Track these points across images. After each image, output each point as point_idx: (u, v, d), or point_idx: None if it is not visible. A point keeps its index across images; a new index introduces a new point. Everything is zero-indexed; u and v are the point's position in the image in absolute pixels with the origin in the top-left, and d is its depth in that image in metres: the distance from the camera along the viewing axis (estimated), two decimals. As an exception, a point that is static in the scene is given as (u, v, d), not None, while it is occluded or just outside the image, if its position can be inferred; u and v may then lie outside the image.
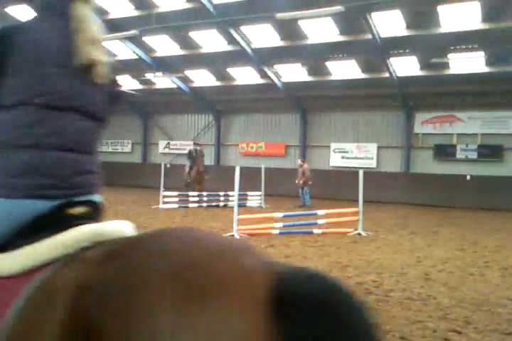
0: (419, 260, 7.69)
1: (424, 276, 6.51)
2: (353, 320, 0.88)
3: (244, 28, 20.01)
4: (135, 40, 21.81)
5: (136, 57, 23.04)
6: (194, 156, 18.18)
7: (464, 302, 5.32)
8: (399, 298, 5.42)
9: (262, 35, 20.36)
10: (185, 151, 28.17)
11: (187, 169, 18.27)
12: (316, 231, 9.85)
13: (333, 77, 22.49)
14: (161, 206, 14.88)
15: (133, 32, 18.55)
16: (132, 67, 24.37)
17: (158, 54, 23.14)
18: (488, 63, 19.59)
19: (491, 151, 20.49)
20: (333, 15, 17.80)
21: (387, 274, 6.58)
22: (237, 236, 9.21)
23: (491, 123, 20.86)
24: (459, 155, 21.18)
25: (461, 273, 6.85)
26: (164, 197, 15.07)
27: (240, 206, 11.28)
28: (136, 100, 28.44)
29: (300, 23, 18.85)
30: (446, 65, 20.27)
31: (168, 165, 22.25)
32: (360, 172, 10.48)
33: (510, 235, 11.58)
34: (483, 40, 18.01)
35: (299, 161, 18.44)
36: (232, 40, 20.65)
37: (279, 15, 16.15)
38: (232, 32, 19.77)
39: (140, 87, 27.12)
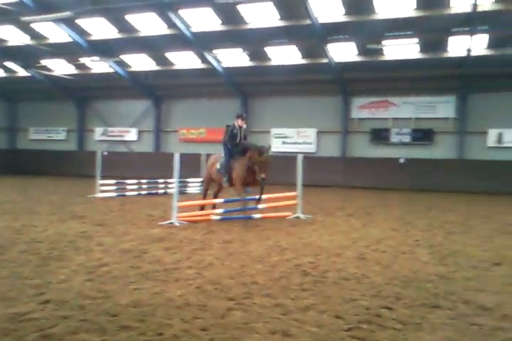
0: (354, 241, 7.95)
1: (359, 256, 6.74)
2: None
3: (183, 12, 19.58)
4: (69, 23, 20.83)
5: (70, 40, 22.03)
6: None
7: (396, 280, 5.56)
8: (335, 278, 5.58)
9: (202, 19, 20.01)
10: (125, 138, 27.67)
11: (222, 162, 10.20)
12: (256, 216, 9.93)
13: (274, 63, 22.56)
14: (98, 195, 14.47)
15: (66, 13, 17.70)
16: (67, 50, 23.35)
17: (95, 37, 22.25)
18: (422, 50, 20.31)
19: (422, 135, 21.44)
20: (274, 0, 17.79)
21: (324, 255, 6.75)
22: (176, 224, 9.13)
23: (423, 108, 21.76)
24: (394, 139, 21.99)
25: (393, 252, 7.15)
26: (101, 185, 14.66)
27: (180, 193, 11.21)
28: (71, 85, 27.32)
29: (241, 7, 18.68)
30: (381, 51, 20.84)
31: (105, 153, 21.63)
32: (299, 157, 10.66)
33: (439, 214, 12.23)
34: (417, 27, 18.62)
35: None
36: (172, 24, 20.18)
37: (218, -2, 15.94)
38: (171, 15, 19.31)
39: (75, 71, 26.05)
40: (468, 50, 19.48)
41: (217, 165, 10.19)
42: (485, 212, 13.14)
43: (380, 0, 17.35)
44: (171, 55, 23.58)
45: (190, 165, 16.53)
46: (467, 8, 17.01)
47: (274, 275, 5.66)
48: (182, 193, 13.82)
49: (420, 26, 18.49)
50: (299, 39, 20.60)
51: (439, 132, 21.54)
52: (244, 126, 10.23)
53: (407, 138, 21.78)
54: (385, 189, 20.35)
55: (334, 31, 19.51)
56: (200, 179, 16.90)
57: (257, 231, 8.73)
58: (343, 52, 21.21)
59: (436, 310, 4.54)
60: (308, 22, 18.71)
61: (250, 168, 9.32)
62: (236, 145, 9.65)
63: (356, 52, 21.16)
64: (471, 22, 17.62)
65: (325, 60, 21.50)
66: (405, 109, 22.01)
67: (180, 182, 11.27)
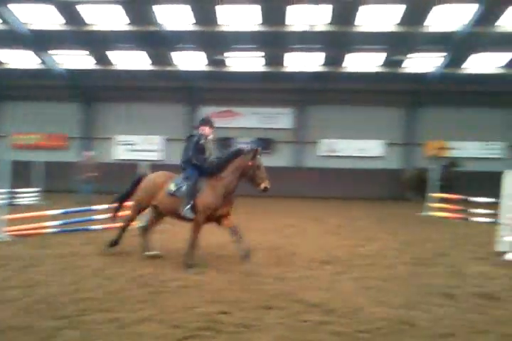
0: (198, 248, 7.99)
1: (201, 263, 6.80)
2: None
3: (18, 7, 17.93)
4: None
5: None
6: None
7: (235, 284, 5.72)
8: (175, 287, 5.55)
9: (43, 17, 18.53)
10: None
11: (180, 182, 7.11)
12: (96, 227, 9.44)
13: (121, 67, 21.91)
14: None
15: None
16: None
17: None
18: (266, 63, 21.49)
19: (265, 144, 22.69)
20: (123, 4, 17.33)
21: (167, 264, 6.68)
22: (4, 239, 8.24)
23: (266, 118, 23.04)
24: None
25: (234, 256, 7.34)
26: None
27: (11, 205, 10.19)
28: None
29: (85, 8, 17.81)
30: (228, 62, 21.58)
31: None
32: (142, 165, 10.60)
33: (278, 219, 12.93)
34: (261, 42, 19.68)
35: (87, 153, 17.49)
36: (4, 19, 18.36)
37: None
38: (3, 9, 17.59)
39: None
40: (305, 66, 21.18)
41: (171, 186, 6.99)
42: (318, 215, 14.29)
43: (226, 13, 17.94)
44: (2, 53, 21.43)
45: (26, 173, 15.23)
46: (305, 28, 18.47)
47: (112, 288, 5.43)
48: (12, 205, 12.53)
49: (263, 41, 19.57)
50: (147, 45, 20.32)
51: (279, 142, 22.95)
52: (211, 136, 7.50)
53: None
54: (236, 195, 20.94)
55: (182, 40, 19.66)
56: (34, 189, 15.57)
57: (97, 243, 8.29)
58: (192, 61, 21.48)
59: (271, 311, 4.77)
60: (156, 29, 18.59)
61: (239, 180, 6.85)
62: (205, 162, 7.00)
63: (204, 61, 21.57)
64: (307, 40, 19.23)
65: (173, 68, 21.54)
66: (249, 119, 23.03)
67: (9, 192, 10.21)
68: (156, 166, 13.35)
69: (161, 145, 23.24)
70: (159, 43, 19.76)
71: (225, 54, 20.77)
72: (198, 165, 6.90)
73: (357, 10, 17.40)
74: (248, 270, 6.41)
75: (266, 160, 22.63)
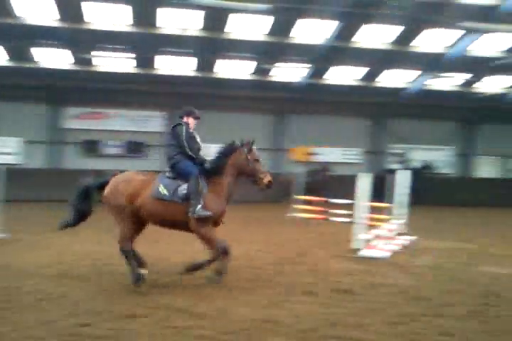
0: (58, 258, 7.49)
1: (61, 273, 6.40)
2: None
3: None
4: None
5: None
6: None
7: (98, 295, 5.46)
8: (32, 300, 5.17)
9: None
10: None
11: (170, 183, 6.14)
12: None
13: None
14: None
15: None
16: None
17: None
18: (137, 65, 20.96)
19: (135, 147, 22.16)
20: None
21: (23, 277, 6.17)
22: None
23: (137, 121, 22.49)
24: (108, 150, 22.02)
25: (100, 265, 7.02)
26: None
27: None
28: None
29: None
30: (95, 62, 20.69)
31: None
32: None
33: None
34: (133, 43, 19.15)
35: None
36: None
37: None
38: None
39: None
40: (177, 70, 21.12)
41: (161, 189, 5.93)
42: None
43: (94, 10, 17.08)
44: None
45: None
46: (177, 31, 18.36)
47: (-47, 307, 4.85)
48: None
49: (134, 42, 19.04)
50: (3, 39, 18.61)
51: (151, 145, 22.48)
52: (193, 129, 6.59)
53: (120, 151, 22.09)
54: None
55: (45, 35, 18.33)
56: None
57: None
58: (55, 58, 20.16)
59: (136, 319, 4.64)
60: (14, 21, 17.13)
61: (237, 179, 6.19)
62: (199, 153, 6.32)
63: (69, 60, 20.38)
64: (179, 44, 19.16)
65: (34, 65, 20.06)
66: (119, 121, 22.27)
67: None
68: (12, 171, 12.30)
69: (18, 147, 21.40)
70: (18, 38, 18.22)
71: (93, 53, 19.83)
72: (192, 156, 6.11)
73: (227, 17, 17.75)
74: (113, 279, 6.16)
75: (137, 165, 22.12)
